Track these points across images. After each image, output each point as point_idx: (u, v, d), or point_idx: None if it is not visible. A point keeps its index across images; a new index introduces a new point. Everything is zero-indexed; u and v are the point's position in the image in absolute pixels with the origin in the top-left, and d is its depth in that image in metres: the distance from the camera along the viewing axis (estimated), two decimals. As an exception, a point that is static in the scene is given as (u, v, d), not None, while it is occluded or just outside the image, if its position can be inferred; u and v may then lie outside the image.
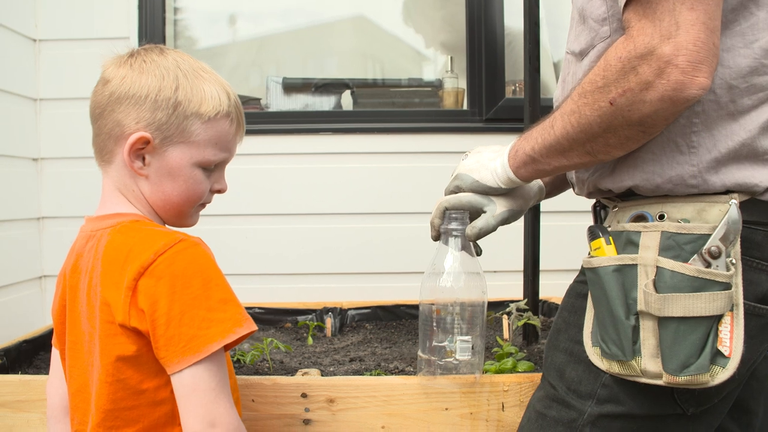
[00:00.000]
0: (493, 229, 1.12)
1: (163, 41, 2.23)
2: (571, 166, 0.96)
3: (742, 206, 0.85)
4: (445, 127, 2.17)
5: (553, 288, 1.81)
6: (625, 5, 0.82)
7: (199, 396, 0.89)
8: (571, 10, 1.06)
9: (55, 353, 1.10)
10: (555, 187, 1.29)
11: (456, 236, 1.16)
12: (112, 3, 2.18)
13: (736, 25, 0.85)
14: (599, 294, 0.91)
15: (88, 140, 1.04)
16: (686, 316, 0.82)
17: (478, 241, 1.19)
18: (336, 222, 2.18)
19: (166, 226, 1.06)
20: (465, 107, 2.26)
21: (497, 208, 1.11)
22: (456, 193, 1.15)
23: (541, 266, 1.71)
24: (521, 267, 1.74)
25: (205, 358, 0.89)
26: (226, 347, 0.92)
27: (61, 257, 1.08)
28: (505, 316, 1.82)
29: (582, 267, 0.98)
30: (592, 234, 0.95)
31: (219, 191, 1.08)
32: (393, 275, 2.17)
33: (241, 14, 2.49)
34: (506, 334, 1.80)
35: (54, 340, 1.08)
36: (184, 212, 1.05)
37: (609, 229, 0.95)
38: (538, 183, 1.19)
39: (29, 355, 1.67)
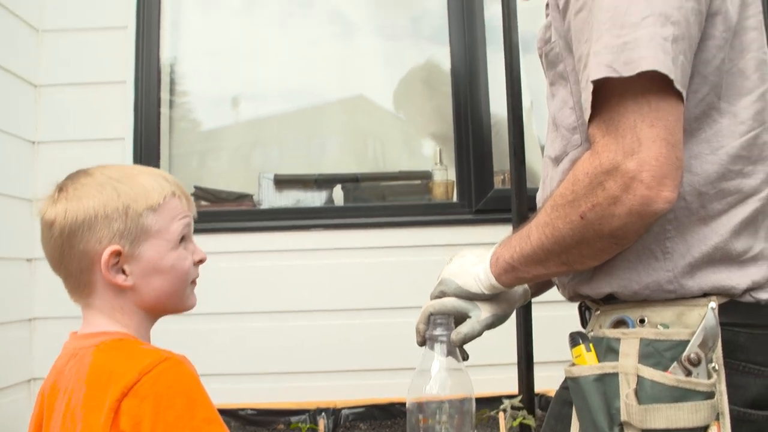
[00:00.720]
0: (479, 334, 1.09)
1: (158, 135, 2.29)
2: (550, 274, 0.96)
3: (723, 308, 0.84)
4: (436, 220, 2.19)
5: (550, 380, 1.77)
6: (589, 120, 0.84)
7: None
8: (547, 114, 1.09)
9: None
10: (540, 287, 1.28)
11: (442, 342, 1.14)
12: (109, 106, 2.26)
13: (701, 133, 0.86)
14: (582, 404, 0.88)
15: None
16: (670, 428, 0.79)
17: (465, 346, 1.17)
18: (329, 319, 2.16)
19: (146, 342, 1.05)
20: (455, 199, 2.28)
21: (482, 313, 1.10)
22: (441, 298, 1.14)
23: (537, 358, 1.68)
24: (515, 359, 1.71)
25: None
26: None
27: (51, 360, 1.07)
28: (501, 414, 1.77)
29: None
30: (573, 341, 0.93)
31: (201, 261, 1.09)
32: (388, 372, 2.13)
33: (231, 99, 2.56)
34: (503, 432, 1.74)
35: None
36: (182, 297, 1.06)
37: (591, 334, 0.94)
38: (522, 286, 1.16)
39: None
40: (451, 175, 2.32)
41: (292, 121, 2.56)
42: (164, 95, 2.39)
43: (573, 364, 0.92)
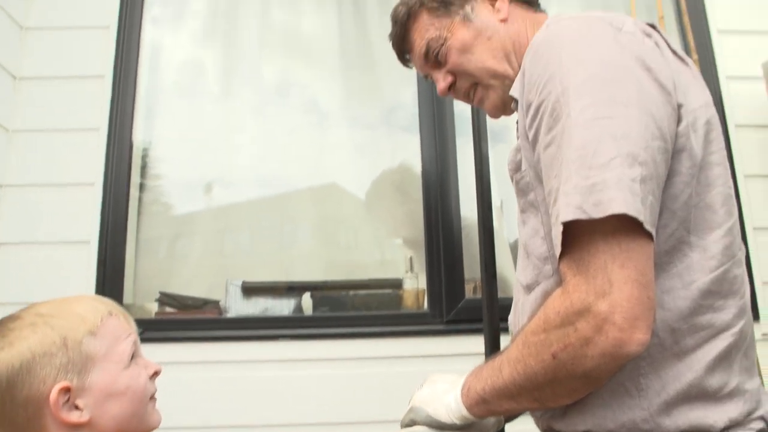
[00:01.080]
0: None
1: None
2: (522, 409, 0.94)
3: None
4: (406, 330, 2.15)
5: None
6: (560, 257, 0.83)
7: None
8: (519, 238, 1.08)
9: None
10: (514, 414, 1.25)
11: None
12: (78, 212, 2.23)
13: (672, 267, 0.86)
14: None
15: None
16: None
17: None
18: (295, 432, 2.07)
19: None
20: (425, 307, 2.25)
21: None
22: (411, 426, 1.11)
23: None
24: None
25: None
26: None
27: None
28: None
29: None
30: None
31: (156, 373, 1.06)
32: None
33: (204, 185, 2.54)
34: None
35: None
36: (143, 417, 1.02)
37: None
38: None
39: None
40: (422, 282, 2.30)
41: (263, 208, 2.54)
42: (135, 179, 2.37)
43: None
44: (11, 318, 0.98)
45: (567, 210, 0.78)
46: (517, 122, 1.11)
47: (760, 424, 0.86)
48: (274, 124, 2.55)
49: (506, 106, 1.17)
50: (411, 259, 2.34)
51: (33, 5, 2.39)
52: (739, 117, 2.38)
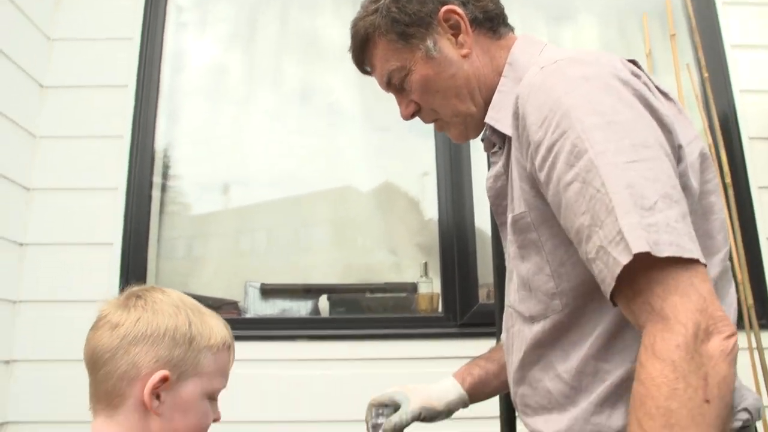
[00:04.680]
0: (407, 424, 1.25)
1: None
2: None
3: None
4: (421, 333, 2.20)
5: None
6: (617, 294, 0.80)
7: None
8: (507, 264, 1.09)
9: None
10: (481, 395, 1.36)
11: (383, 430, 1.26)
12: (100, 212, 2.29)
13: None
14: None
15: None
16: None
17: None
18: (313, 430, 2.11)
19: None
20: (440, 311, 2.30)
21: (411, 404, 1.27)
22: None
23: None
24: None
25: None
26: None
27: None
28: None
29: None
30: None
31: (216, 420, 1.09)
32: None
33: (222, 186, 2.60)
34: None
35: None
36: None
37: None
38: (458, 391, 1.31)
39: None
40: (437, 287, 2.35)
41: (280, 209, 2.59)
42: (156, 180, 2.43)
43: None
44: (161, 290, 1.07)
45: (637, 243, 0.76)
46: (493, 152, 1.12)
47: (745, 415, 0.89)
48: (292, 126, 2.61)
49: (469, 135, 1.18)
50: (426, 264, 2.39)
51: (59, 17, 2.46)
52: (752, 130, 2.42)
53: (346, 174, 2.59)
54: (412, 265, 2.49)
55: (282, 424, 2.12)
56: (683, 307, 0.74)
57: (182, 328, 1.03)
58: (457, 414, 1.34)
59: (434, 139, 2.44)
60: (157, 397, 0.99)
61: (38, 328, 2.18)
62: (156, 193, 2.43)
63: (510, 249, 1.04)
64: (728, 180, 2.28)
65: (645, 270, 0.77)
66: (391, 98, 1.22)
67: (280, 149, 2.58)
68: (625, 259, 0.76)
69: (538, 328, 0.98)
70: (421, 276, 2.36)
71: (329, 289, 2.38)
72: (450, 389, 1.31)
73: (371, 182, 2.59)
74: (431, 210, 2.45)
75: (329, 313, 2.33)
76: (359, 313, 2.31)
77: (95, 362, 1.00)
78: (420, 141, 2.52)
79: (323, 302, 2.36)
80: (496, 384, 1.36)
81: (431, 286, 2.34)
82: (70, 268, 2.23)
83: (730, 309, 0.93)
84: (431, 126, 1.25)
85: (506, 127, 1.01)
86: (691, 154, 0.91)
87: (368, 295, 2.35)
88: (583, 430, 0.92)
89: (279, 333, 2.18)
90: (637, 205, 0.78)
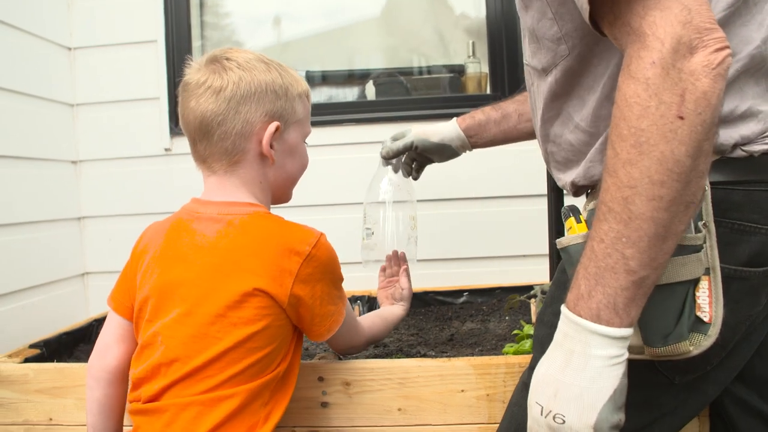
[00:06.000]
0: (400, 148, 1.50)
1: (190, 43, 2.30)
2: (672, 245, 0.73)
3: (714, 166, 0.83)
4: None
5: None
6: (599, 16, 0.75)
7: None
8: (521, 21, 1.03)
9: (115, 320, 1.16)
10: (486, 141, 1.48)
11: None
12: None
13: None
14: (573, 270, 0.90)
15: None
16: (657, 283, 0.76)
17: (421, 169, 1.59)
18: (360, 211, 2.19)
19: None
20: (488, 92, 2.24)
21: (407, 136, 1.49)
22: None
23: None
24: (548, 251, 1.73)
25: None
26: None
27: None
28: (532, 300, 1.81)
29: None
30: (564, 215, 0.93)
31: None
32: (420, 263, 2.18)
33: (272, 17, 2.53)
34: (533, 318, 1.79)
35: (115, 305, 1.15)
36: (291, 189, 1.21)
37: (588, 208, 0.93)
38: (455, 128, 1.48)
39: (69, 347, 1.75)
40: (485, 68, 2.27)
41: (324, 37, 2.52)
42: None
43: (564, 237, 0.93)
44: (242, 50, 1.11)
45: None
46: None
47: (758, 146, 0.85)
48: None
49: None
50: (473, 44, 2.30)
51: None
52: None
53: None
54: (459, 50, 2.40)
55: (331, 207, 2.21)
56: (662, 21, 0.68)
57: (278, 81, 1.09)
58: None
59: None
60: (271, 146, 1.08)
61: (105, 188, 2.28)
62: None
63: (517, 2, 0.99)
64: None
65: None
66: None
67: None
68: None
69: (551, 78, 0.95)
70: (469, 56, 2.28)
71: (376, 74, 2.34)
72: (447, 126, 1.50)
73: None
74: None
75: (375, 98, 2.31)
76: (406, 96, 2.28)
77: (206, 127, 1.06)
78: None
79: (369, 88, 2.33)
80: (495, 131, 1.46)
81: (479, 67, 2.27)
82: (116, 125, 2.27)
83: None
84: None
85: None
86: None
87: (415, 77, 2.30)
88: (594, 170, 0.92)
89: (325, 119, 2.19)
90: None
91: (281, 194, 1.19)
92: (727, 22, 0.82)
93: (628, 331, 0.72)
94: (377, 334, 1.31)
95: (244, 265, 1.02)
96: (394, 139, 1.52)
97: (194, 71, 1.09)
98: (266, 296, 1.02)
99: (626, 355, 0.72)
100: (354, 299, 2.01)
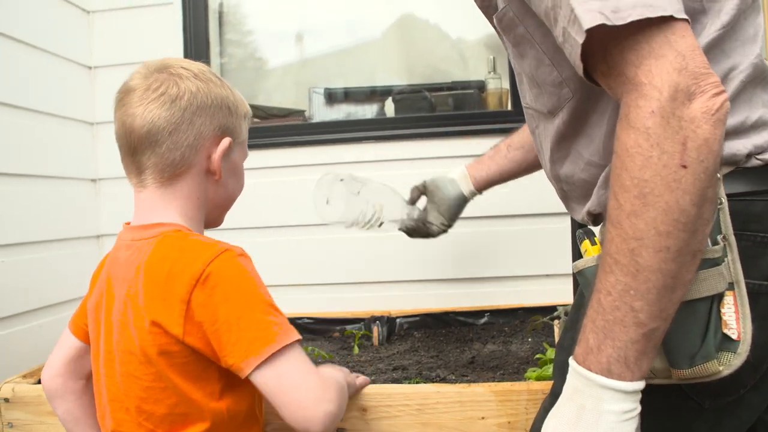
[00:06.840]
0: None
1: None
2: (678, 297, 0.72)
3: (730, 178, 0.80)
4: (490, 129, 2.12)
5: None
6: (591, 69, 0.74)
7: None
8: (514, 67, 1.02)
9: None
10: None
11: None
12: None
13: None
14: (589, 293, 0.86)
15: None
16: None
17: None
18: (382, 230, 2.16)
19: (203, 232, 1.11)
20: (509, 108, 2.21)
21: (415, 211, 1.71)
22: None
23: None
24: (570, 270, 1.68)
25: None
26: None
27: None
28: (555, 321, 1.76)
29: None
30: (579, 238, 0.92)
31: None
32: (441, 282, 2.14)
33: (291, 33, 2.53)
34: (557, 340, 1.73)
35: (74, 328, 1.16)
36: (228, 209, 1.15)
37: (602, 231, 0.90)
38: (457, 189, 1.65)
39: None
40: (506, 84, 2.24)
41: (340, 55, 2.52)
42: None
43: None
44: (189, 61, 1.08)
45: (587, 17, 0.68)
46: None
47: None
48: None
49: None
50: (493, 59, 2.27)
51: None
52: None
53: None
54: (479, 66, 2.37)
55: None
56: (658, 70, 0.67)
57: (230, 97, 1.06)
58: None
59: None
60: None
61: (123, 206, 2.25)
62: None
63: (509, 51, 0.99)
64: None
65: (615, 41, 0.70)
66: None
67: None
68: (581, 38, 0.70)
69: (558, 121, 0.94)
70: (489, 72, 2.25)
71: (396, 91, 2.31)
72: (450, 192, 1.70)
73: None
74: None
75: (395, 115, 2.29)
76: (426, 112, 2.25)
77: (155, 136, 1.00)
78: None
79: (389, 105, 2.31)
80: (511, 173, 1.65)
81: (500, 83, 2.23)
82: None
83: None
84: None
85: None
86: None
87: (435, 94, 2.28)
88: (605, 196, 0.89)
89: (344, 136, 2.17)
90: None
91: (217, 215, 1.13)
92: (724, 38, 0.81)
93: (640, 385, 0.70)
94: (343, 404, 1.05)
95: (146, 296, 0.97)
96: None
97: (141, 77, 1.03)
98: (161, 330, 0.94)
99: (639, 409, 0.71)
100: (373, 319, 1.97)
